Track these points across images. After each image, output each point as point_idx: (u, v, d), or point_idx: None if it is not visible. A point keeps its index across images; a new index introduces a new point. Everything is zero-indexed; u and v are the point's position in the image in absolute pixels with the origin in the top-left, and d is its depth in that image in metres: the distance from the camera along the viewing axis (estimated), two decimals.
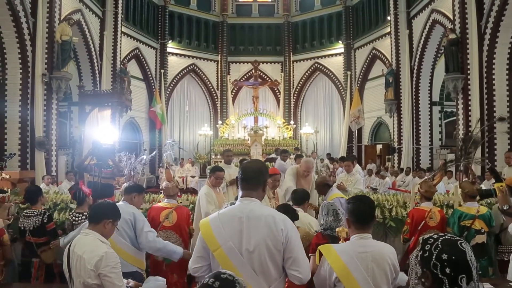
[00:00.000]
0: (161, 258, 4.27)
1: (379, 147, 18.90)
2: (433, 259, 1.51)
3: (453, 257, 1.49)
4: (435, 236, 1.59)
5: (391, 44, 16.72)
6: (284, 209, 3.62)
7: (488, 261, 4.25)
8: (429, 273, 1.52)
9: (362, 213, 2.40)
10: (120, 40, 16.63)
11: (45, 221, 4.54)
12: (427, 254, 1.54)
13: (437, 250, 1.52)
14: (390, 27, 16.74)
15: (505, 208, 3.52)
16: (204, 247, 2.31)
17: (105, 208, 2.96)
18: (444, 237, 1.56)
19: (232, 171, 6.08)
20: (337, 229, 3.24)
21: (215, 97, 22.06)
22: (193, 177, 15.85)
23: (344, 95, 20.20)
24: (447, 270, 1.47)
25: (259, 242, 2.21)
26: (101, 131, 11.85)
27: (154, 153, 15.15)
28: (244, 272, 2.16)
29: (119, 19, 16.47)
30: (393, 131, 16.80)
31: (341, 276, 2.26)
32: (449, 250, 1.50)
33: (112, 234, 3.02)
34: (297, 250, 2.27)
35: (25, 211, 4.83)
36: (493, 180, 8.56)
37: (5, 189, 6.50)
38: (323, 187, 5.03)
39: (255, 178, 2.38)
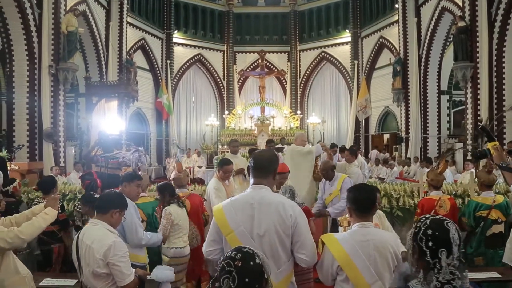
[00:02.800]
0: None
1: (386, 136, 18.79)
2: (420, 234, 1.71)
3: (436, 233, 1.68)
4: (427, 216, 1.79)
5: (399, 33, 16.49)
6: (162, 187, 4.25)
7: None
8: (417, 246, 1.72)
9: (363, 202, 2.43)
10: (126, 31, 16.60)
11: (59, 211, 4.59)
12: (417, 230, 1.74)
13: (425, 226, 1.72)
14: (398, 15, 16.50)
15: (502, 164, 3.44)
16: (217, 232, 2.42)
17: (112, 198, 2.98)
18: (434, 217, 1.77)
19: (238, 161, 6.08)
20: (339, 218, 3.27)
21: (222, 87, 22.02)
22: (199, 167, 15.89)
23: (351, 85, 20.04)
24: (430, 244, 1.68)
25: (269, 227, 2.32)
26: (108, 122, 11.96)
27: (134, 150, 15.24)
28: None
29: (125, 9, 16.43)
30: (401, 121, 16.66)
31: (343, 264, 2.30)
32: (435, 227, 1.70)
33: (120, 223, 3.04)
34: (305, 234, 2.38)
35: (37, 199, 4.89)
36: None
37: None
38: (329, 171, 5.18)
39: (266, 167, 2.49)
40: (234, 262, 1.63)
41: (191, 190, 4.87)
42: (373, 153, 16.36)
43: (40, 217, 3.03)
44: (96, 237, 2.75)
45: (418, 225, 1.76)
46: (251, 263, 1.64)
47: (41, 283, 3.29)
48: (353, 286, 2.31)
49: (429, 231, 1.70)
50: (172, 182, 4.79)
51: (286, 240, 2.35)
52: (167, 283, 3.29)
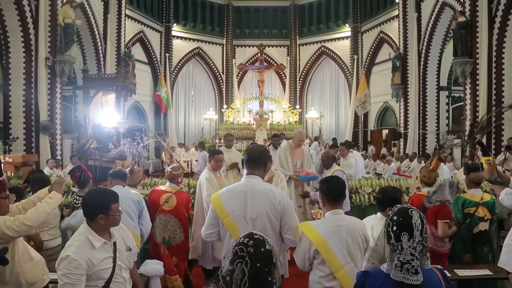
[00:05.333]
0: (160, 240, 4.31)
1: (385, 132, 18.75)
2: (388, 220, 1.98)
3: (400, 219, 1.93)
4: (398, 205, 2.05)
5: (399, 28, 16.41)
6: None
7: (490, 248, 4.19)
8: (386, 231, 1.99)
9: (334, 192, 2.70)
10: (124, 24, 16.52)
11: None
12: (387, 217, 2.01)
13: (392, 213, 1.98)
14: (398, 10, 16.41)
15: (492, 178, 3.46)
16: (215, 216, 2.75)
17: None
18: (401, 206, 2.02)
19: (232, 155, 6.04)
20: (312, 211, 3.36)
21: (221, 81, 21.94)
22: (197, 161, 15.85)
23: (350, 80, 19.97)
24: (394, 228, 1.93)
25: (261, 212, 2.66)
26: (103, 115, 11.91)
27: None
28: None
29: (123, 2, 16.33)
30: (400, 116, 16.62)
31: (319, 248, 2.53)
32: (400, 214, 1.96)
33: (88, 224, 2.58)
34: (292, 218, 2.73)
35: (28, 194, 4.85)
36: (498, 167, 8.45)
37: (9, 172, 6.55)
38: (329, 160, 5.38)
39: (257, 160, 2.83)
40: (246, 248, 1.74)
41: (181, 188, 4.80)
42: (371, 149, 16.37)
43: (44, 201, 3.01)
44: (70, 240, 2.54)
45: (389, 213, 2.02)
46: (262, 249, 1.75)
47: None
48: (329, 267, 2.53)
49: (395, 217, 1.95)
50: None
51: (276, 223, 2.69)
52: (156, 278, 3.28)
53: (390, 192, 3.22)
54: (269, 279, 1.74)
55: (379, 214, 3.16)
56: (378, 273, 1.99)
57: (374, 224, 3.05)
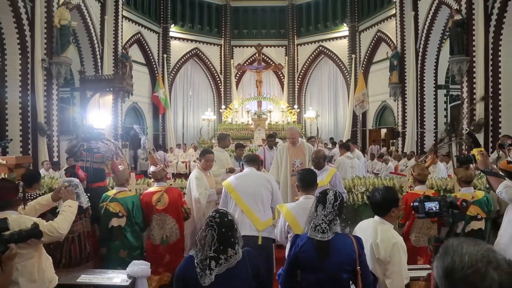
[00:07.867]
0: (158, 241, 4.29)
1: (383, 131, 18.72)
2: (315, 197, 2.75)
3: (320, 195, 2.66)
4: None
5: (396, 26, 16.39)
6: None
7: None
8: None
9: (307, 180, 3.40)
10: (121, 25, 16.50)
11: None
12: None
13: (318, 193, 2.71)
14: (396, 9, 16.40)
15: (488, 169, 3.34)
16: (225, 194, 3.96)
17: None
18: (327, 188, 2.80)
19: (224, 156, 6.02)
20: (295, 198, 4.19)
21: (219, 82, 21.94)
22: (195, 161, 15.86)
23: (348, 79, 19.95)
24: (315, 202, 2.67)
25: (259, 187, 3.87)
26: (97, 116, 11.87)
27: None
28: (249, 203, 3.78)
29: (120, 3, 16.31)
30: (398, 115, 16.59)
31: (291, 223, 3.19)
32: (321, 193, 2.67)
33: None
34: (278, 193, 4.05)
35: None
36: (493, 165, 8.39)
37: (2, 174, 6.54)
38: (320, 160, 5.12)
39: (254, 160, 4.22)
40: (214, 219, 2.32)
41: (171, 184, 4.80)
42: (373, 148, 16.33)
43: (68, 211, 3.09)
44: None
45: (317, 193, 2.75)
46: (225, 219, 2.33)
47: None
48: None
49: (318, 195, 2.68)
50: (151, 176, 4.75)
51: (269, 195, 3.91)
52: (142, 278, 3.26)
53: (392, 193, 2.91)
54: (232, 240, 2.32)
55: (377, 217, 2.85)
56: (304, 235, 2.63)
57: (376, 229, 2.75)
